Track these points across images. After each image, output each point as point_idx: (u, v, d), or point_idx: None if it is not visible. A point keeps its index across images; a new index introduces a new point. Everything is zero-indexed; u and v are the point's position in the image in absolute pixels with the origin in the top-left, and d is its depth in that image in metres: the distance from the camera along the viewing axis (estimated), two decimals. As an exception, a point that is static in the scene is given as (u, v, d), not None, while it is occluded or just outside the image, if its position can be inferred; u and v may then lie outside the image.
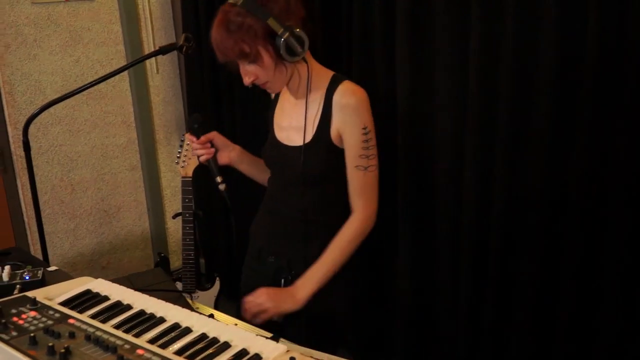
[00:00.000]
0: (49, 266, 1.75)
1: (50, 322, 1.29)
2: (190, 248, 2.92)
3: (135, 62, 1.89)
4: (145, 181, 3.58)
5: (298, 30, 1.54)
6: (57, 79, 3.12)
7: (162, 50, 1.86)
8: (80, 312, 1.35)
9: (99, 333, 1.24)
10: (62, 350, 1.14)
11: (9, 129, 2.99)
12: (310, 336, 1.69)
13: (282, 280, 1.76)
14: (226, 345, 1.21)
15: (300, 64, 1.63)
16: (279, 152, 1.76)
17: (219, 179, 1.75)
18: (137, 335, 1.25)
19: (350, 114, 1.63)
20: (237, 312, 1.78)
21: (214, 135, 1.80)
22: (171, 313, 1.35)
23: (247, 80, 1.61)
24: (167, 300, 1.40)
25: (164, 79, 3.55)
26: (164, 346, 1.21)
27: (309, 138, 1.67)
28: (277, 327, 1.83)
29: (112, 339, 1.22)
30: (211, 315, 1.50)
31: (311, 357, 1.28)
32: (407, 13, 2.22)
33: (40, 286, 1.57)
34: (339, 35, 2.57)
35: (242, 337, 1.24)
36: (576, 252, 1.97)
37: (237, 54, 1.54)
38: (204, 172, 3.58)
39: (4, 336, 1.21)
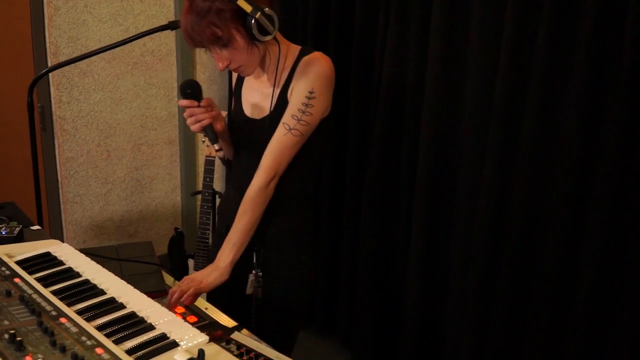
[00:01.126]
0: (34, 225, 1.78)
1: (-5, 278, 1.31)
2: (206, 227, 2.93)
3: (140, 35, 1.89)
4: (181, 156, 3.63)
5: (267, 9, 1.51)
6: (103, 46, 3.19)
7: (171, 26, 1.86)
8: (30, 273, 1.37)
9: (34, 296, 1.25)
10: (-13, 307, 1.15)
11: (52, 90, 3.08)
12: (269, 323, 1.70)
13: (254, 254, 1.75)
14: (149, 327, 1.19)
15: (271, 43, 1.61)
16: (247, 126, 1.75)
17: (217, 147, 1.70)
18: (70, 304, 1.25)
19: (305, 74, 1.61)
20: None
21: (212, 100, 1.77)
22: (115, 287, 1.34)
23: (220, 66, 1.58)
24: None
25: (211, 57, 3.57)
26: (90, 319, 1.20)
27: (272, 108, 1.67)
28: (248, 317, 1.83)
29: (43, 304, 1.22)
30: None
31: (233, 349, 1.25)
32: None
33: (14, 242, 1.61)
34: (374, 32, 2.52)
35: (169, 322, 1.22)
36: (599, 267, 1.90)
37: (210, 39, 1.51)
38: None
39: (-58, 285, 1.24)
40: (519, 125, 2.03)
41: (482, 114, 2.14)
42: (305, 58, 1.65)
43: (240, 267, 1.67)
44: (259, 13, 1.49)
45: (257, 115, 1.74)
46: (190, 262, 2.99)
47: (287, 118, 1.61)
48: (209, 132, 1.66)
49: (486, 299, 2.20)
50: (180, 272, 3.03)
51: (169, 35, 3.38)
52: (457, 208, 2.31)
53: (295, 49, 1.70)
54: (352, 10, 2.60)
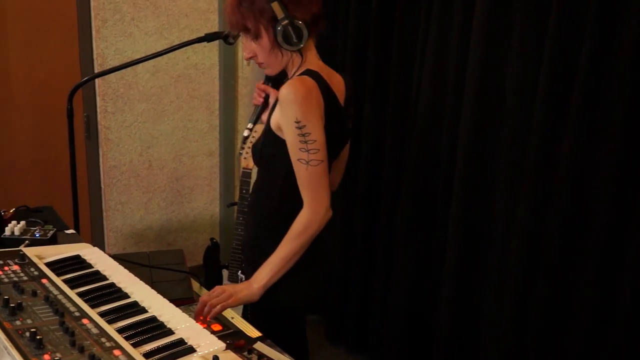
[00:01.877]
0: (68, 229, 1.83)
1: (25, 278, 1.35)
2: (240, 239, 2.95)
3: (178, 47, 1.94)
4: (221, 168, 3.68)
5: (300, 22, 1.55)
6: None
7: (207, 38, 1.90)
8: (58, 274, 1.40)
9: (60, 297, 1.28)
10: (13, 305, 1.18)
11: (98, 100, 3.17)
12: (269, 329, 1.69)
13: (239, 272, 1.79)
14: (169, 332, 1.21)
15: (296, 55, 1.63)
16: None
17: (250, 125, 1.81)
18: (93, 306, 1.27)
19: (282, 106, 1.57)
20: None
21: (274, 93, 1.79)
22: (139, 292, 1.36)
23: (245, 55, 1.67)
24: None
25: (253, 71, 3.62)
26: (112, 321, 1.22)
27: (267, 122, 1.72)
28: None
29: (67, 305, 1.25)
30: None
31: (254, 359, 1.25)
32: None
33: (47, 245, 1.65)
34: (415, 33, 2.51)
35: (189, 328, 1.23)
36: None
37: (241, 28, 1.60)
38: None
39: (-27, 283, 1.28)
40: (558, 146, 1.98)
41: (520, 135, 2.11)
42: (283, 86, 1.60)
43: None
44: (286, 21, 1.53)
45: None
46: (225, 273, 3.02)
47: (296, 154, 1.58)
48: (255, 111, 1.81)
49: (521, 325, 2.14)
50: (214, 283, 3.06)
51: (212, 49, 3.45)
52: (493, 231, 2.26)
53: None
54: (391, 36, 2.59)
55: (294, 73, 1.64)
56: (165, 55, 3.21)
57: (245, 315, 1.82)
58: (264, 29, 1.58)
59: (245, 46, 1.66)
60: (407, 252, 2.60)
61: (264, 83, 1.84)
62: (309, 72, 1.60)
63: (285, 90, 1.55)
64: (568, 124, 1.95)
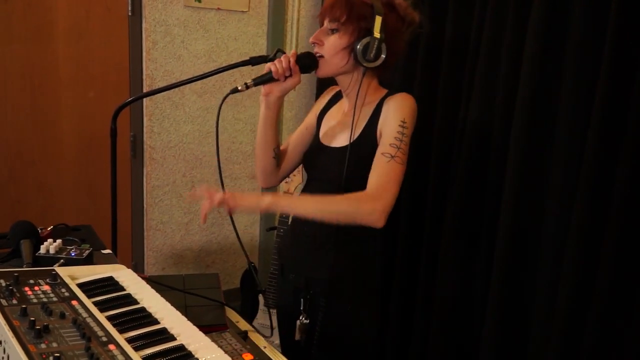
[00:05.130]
0: (105, 248, 1.82)
1: (54, 299, 1.32)
2: (277, 263, 2.91)
3: (223, 69, 1.92)
4: (263, 191, 3.66)
5: (385, 47, 1.58)
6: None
7: (252, 61, 1.87)
8: (89, 296, 1.37)
9: (88, 320, 1.25)
10: (39, 327, 1.16)
11: (145, 119, 3.21)
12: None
13: (302, 300, 1.70)
14: (195, 363, 1.16)
15: (359, 71, 1.65)
16: (321, 154, 1.74)
17: (250, 82, 1.70)
18: (122, 331, 1.24)
19: (394, 108, 1.62)
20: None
21: (297, 78, 1.68)
22: (169, 318, 1.33)
23: (312, 39, 1.65)
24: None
25: (299, 96, 3.62)
26: (138, 348, 1.18)
27: (354, 138, 1.66)
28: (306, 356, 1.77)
29: (95, 329, 1.22)
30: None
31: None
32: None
33: (82, 264, 1.64)
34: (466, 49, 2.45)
35: (217, 358, 1.18)
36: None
37: (334, 12, 1.60)
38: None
39: (3, 302, 1.26)
40: (613, 166, 1.89)
41: (573, 155, 2.03)
42: (392, 96, 1.66)
43: (290, 312, 1.64)
44: (376, 41, 1.57)
45: (333, 144, 1.72)
46: (261, 298, 2.98)
47: (385, 148, 1.57)
48: (265, 78, 1.69)
49: (573, 350, 2.03)
50: (250, 307, 3.02)
51: (258, 73, 3.44)
52: (542, 258, 2.16)
53: (382, 90, 1.71)
54: (439, 60, 2.55)
55: (357, 90, 1.65)
56: (212, 78, 3.27)
57: (286, 345, 1.78)
58: (350, 29, 1.59)
59: (318, 30, 1.65)
60: (450, 281, 2.52)
61: (295, 61, 1.67)
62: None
63: (400, 97, 1.64)
64: (622, 156, 1.85)
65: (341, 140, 1.69)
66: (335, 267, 1.68)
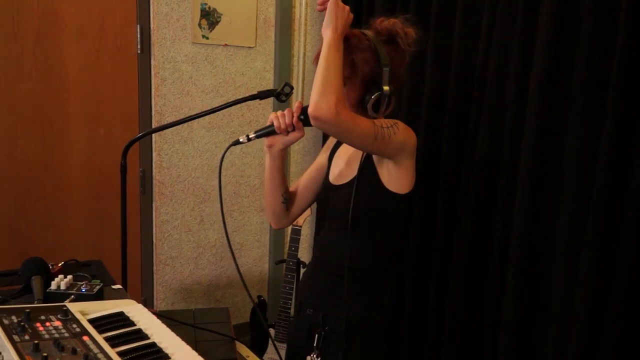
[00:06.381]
0: (116, 284, 1.82)
1: (66, 335, 1.33)
2: (289, 296, 2.90)
3: (232, 104, 1.94)
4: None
5: (394, 100, 1.60)
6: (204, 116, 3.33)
7: (260, 95, 1.90)
8: (100, 332, 1.37)
9: (100, 356, 1.25)
10: (51, 363, 1.16)
11: (154, 155, 3.23)
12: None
13: (316, 336, 1.68)
14: (206, 398, 1.15)
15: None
16: (329, 192, 1.74)
17: (252, 135, 1.61)
18: (132, 366, 1.24)
19: None
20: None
21: (298, 131, 1.63)
22: (179, 353, 1.32)
23: None
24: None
25: (306, 129, 3.64)
26: (149, 383, 1.18)
27: (359, 170, 1.65)
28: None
29: (106, 364, 1.22)
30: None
31: None
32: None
33: (93, 300, 1.64)
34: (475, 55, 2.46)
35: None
36: None
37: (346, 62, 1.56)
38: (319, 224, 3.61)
39: (16, 337, 1.26)
40: (628, 172, 1.88)
41: (586, 162, 2.02)
42: None
43: (302, 349, 1.63)
44: (386, 97, 1.57)
45: (340, 181, 1.72)
46: (272, 332, 2.96)
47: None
48: (266, 132, 1.62)
49: None
50: (260, 341, 3.00)
51: (266, 107, 3.49)
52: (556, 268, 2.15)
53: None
54: (446, 83, 2.56)
55: None
56: (220, 112, 3.31)
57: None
58: (358, 83, 1.58)
59: None
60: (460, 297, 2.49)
61: (299, 116, 1.60)
62: None
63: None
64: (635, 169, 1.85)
65: (345, 177, 1.70)
66: (353, 305, 1.66)
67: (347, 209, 1.62)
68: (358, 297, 1.66)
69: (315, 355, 1.70)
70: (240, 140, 1.62)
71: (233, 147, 1.66)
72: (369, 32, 1.62)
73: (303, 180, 1.88)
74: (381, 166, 1.62)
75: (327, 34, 1.50)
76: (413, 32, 1.62)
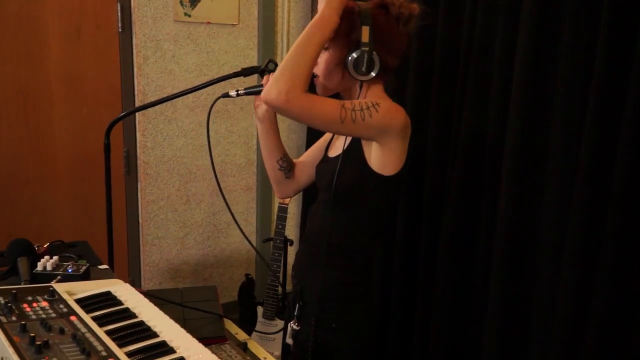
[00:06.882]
0: (102, 264, 1.82)
1: (53, 315, 1.32)
2: (276, 274, 2.92)
3: (215, 81, 1.93)
4: (258, 203, 3.67)
5: (376, 56, 1.51)
6: (188, 95, 3.31)
7: (244, 72, 1.89)
8: (88, 311, 1.37)
9: (88, 335, 1.25)
10: (39, 343, 1.16)
11: (138, 135, 3.21)
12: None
13: (297, 306, 1.71)
14: (195, 375, 1.16)
15: (356, 87, 1.59)
16: (322, 163, 1.74)
17: (241, 91, 1.70)
18: (121, 345, 1.24)
19: None
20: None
21: None
22: (168, 331, 1.33)
23: None
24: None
25: (291, 107, 3.63)
26: (138, 361, 1.19)
27: (345, 147, 1.62)
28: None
29: (95, 343, 1.22)
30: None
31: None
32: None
33: (80, 280, 1.64)
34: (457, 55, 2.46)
35: (217, 370, 1.19)
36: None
37: None
38: (306, 202, 3.62)
39: (2, 319, 1.26)
40: (609, 169, 1.89)
41: (569, 158, 2.03)
42: None
43: (289, 317, 1.66)
44: (365, 53, 1.50)
45: (332, 154, 1.72)
46: (260, 309, 2.98)
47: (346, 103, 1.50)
48: (256, 90, 1.71)
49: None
50: (248, 319, 3.02)
51: (250, 84, 3.45)
52: (540, 262, 2.18)
53: (385, 99, 1.65)
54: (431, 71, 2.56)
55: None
56: (204, 91, 3.29)
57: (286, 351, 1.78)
58: (341, 44, 1.54)
59: None
60: (446, 291, 2.52)
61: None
62: None
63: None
64: (618, 157, 1.86)
65: (338, 150, 1.67)
66: (327, 278, 1.65)
67: (331, 181, 1.61)
68: (333, 272, 1.65)
69: (294, 323, 1.73)
70: (230, 93, 1.70)
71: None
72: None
73: (311, 150, 1.88)
74: (367, 145, 1.58)
75: (320, 8, 1.49)
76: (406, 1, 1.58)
